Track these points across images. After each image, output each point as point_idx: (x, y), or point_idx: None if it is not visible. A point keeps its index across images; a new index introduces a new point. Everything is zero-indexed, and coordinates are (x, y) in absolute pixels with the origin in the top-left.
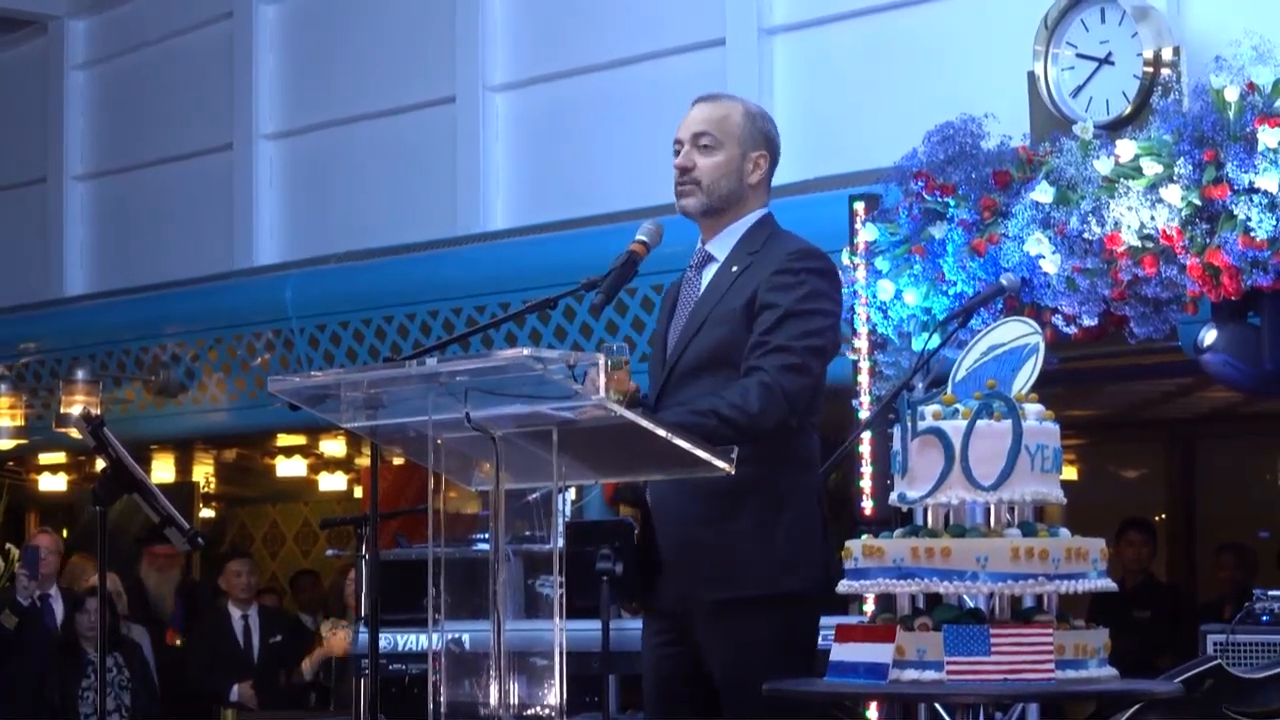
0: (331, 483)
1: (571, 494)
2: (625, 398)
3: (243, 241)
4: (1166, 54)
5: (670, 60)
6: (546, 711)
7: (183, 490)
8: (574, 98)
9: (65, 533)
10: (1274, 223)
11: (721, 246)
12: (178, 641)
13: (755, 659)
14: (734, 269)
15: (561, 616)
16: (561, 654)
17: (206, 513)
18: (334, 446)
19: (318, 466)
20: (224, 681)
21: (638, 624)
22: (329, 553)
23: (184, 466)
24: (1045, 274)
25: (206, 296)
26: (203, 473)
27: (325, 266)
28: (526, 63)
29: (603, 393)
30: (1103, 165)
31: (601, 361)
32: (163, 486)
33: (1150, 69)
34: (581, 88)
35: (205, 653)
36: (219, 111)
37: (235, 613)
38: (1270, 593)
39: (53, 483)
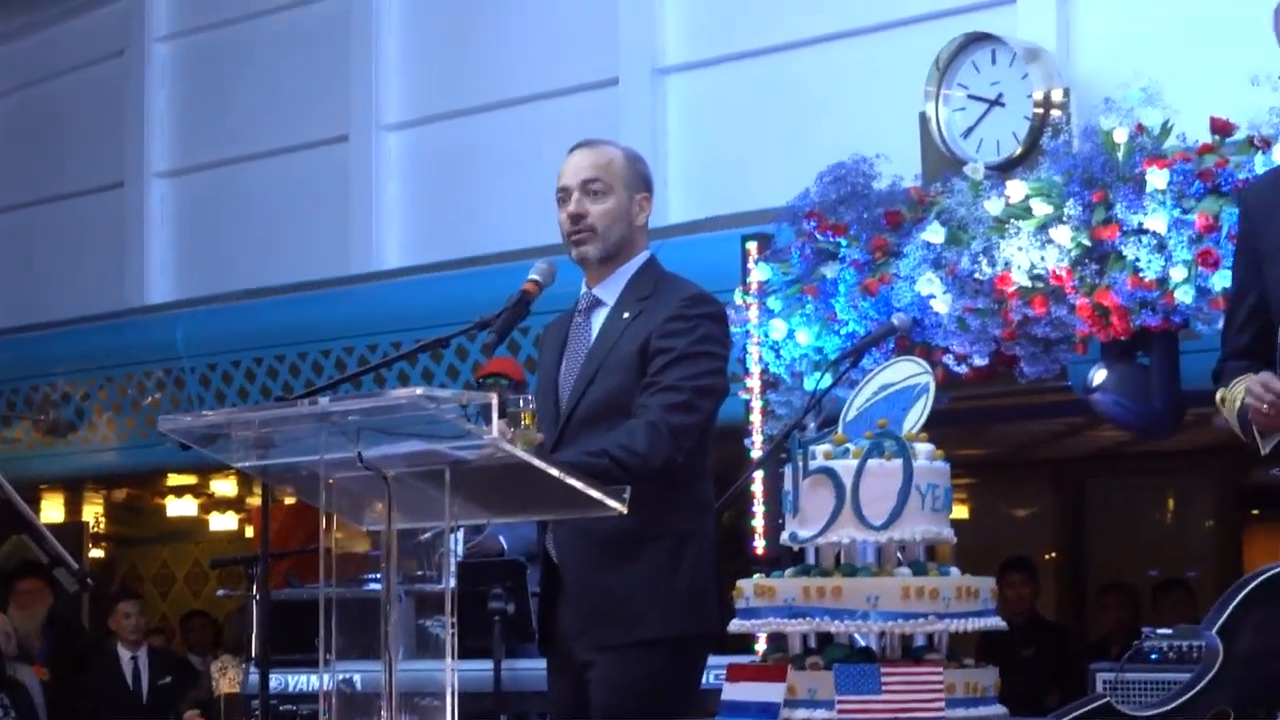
0: (222, 522)
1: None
2: (530, 447)
3: (134, 280)
4: (1056, 95)
5: (564, 100)
6: None
7: (72, 530)
8: (467, 137)
9: None
10: (1163, 263)
11: (609, 291)
12: (44, 677)
13: (648, 699)
14: (625, 315)
15: (453, 656)
16: (453, 694)
17: (96, 553)
18: (225, 486)
19: (208, 506)
20: None
21: (530, 664)
22: (220, 593)
23: (74, 506)
24: (936, 314)
25: (97, 335)
26: (92, 512)
27: (217, 305)
28: (420, 102)
29: (499, 434)
30: (993, 206)
31: (497, 400)
32: (52, 526)
33: (1040, 110)
34: (475, 127)
35: (94, 694)
36: (111, 149)
37: (125, 654)
38: (1159, 631)
39: None
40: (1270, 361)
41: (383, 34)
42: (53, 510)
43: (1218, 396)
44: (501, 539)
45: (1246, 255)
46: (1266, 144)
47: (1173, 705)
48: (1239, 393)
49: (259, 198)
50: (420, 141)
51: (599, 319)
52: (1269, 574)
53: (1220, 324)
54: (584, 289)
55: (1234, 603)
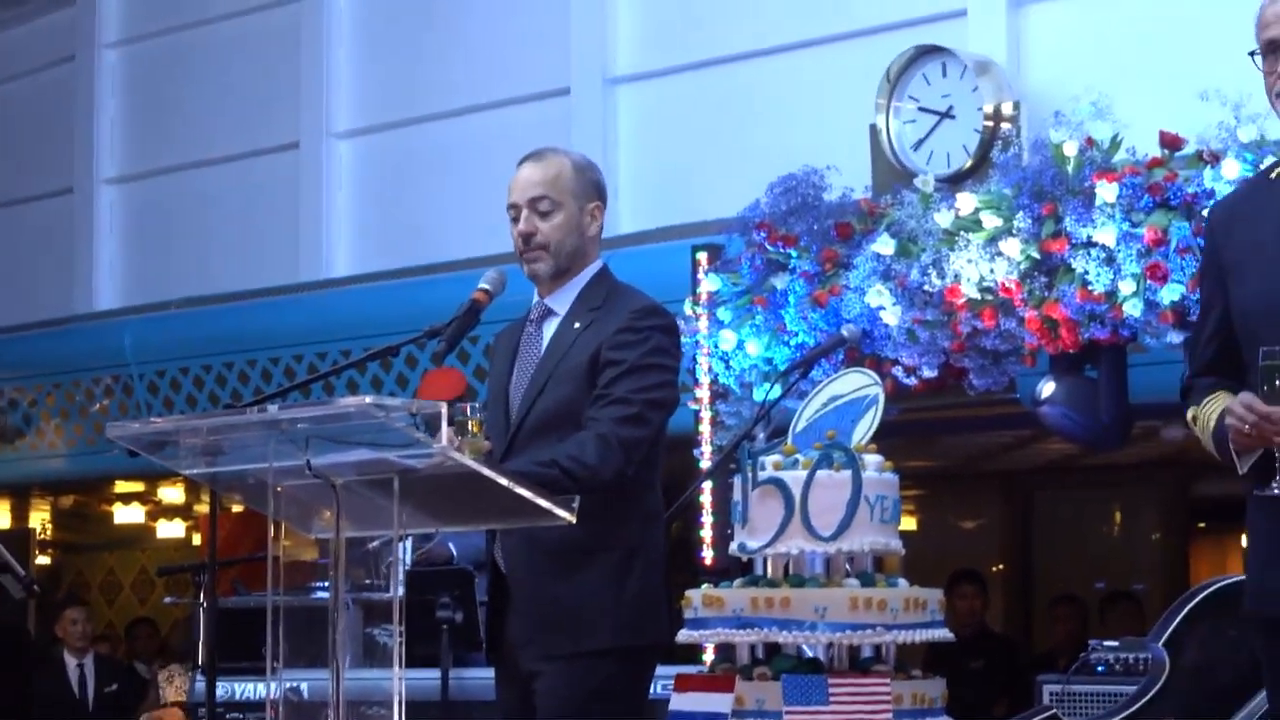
0: (169, 530)
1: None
2: (478, 456)
3: (82, 286)
4: (1007, 108)
5: (515, 109)
6: None
7: (18, 537)
8: (418, 145)
9: None
10: (1111, 276)
11: (561, 301)
12: None
13: (596, 709)
14: (576, 325)
15: (401, 665)
16: (400, 703)
17: (43, 559)
18: (172, 493)
19: (156, 513)
20: None
21: (477, 673)
22: (166, 600)
23: (20, 513)
24: (886, 325)
25: (45, 341)
26: (39, 519)
27: (166, 312)
28: (371, 110)
29: (448, 442)
30: (943, 218)
31: (446, 410)
32: None
33: (991, 123)
34: (426, 135)
35: (40, 701)
36: (60, 155)
37: (71, 661)
38: (1106, 643)
39: None
40: (1241, 377)
41: (334, 41)
42: None
43: (1189, 415)
44: (451, 546)
45: (1212, 271)
46: (1215, 159)
47: (1119, 717)
48: (1213, 410)
49: (209, 205)
50: (371, 149)
51: (550, 329)
52: (1215, 588)
53: (1168, 337)
54: (536, 298)
55: (1180, 616)
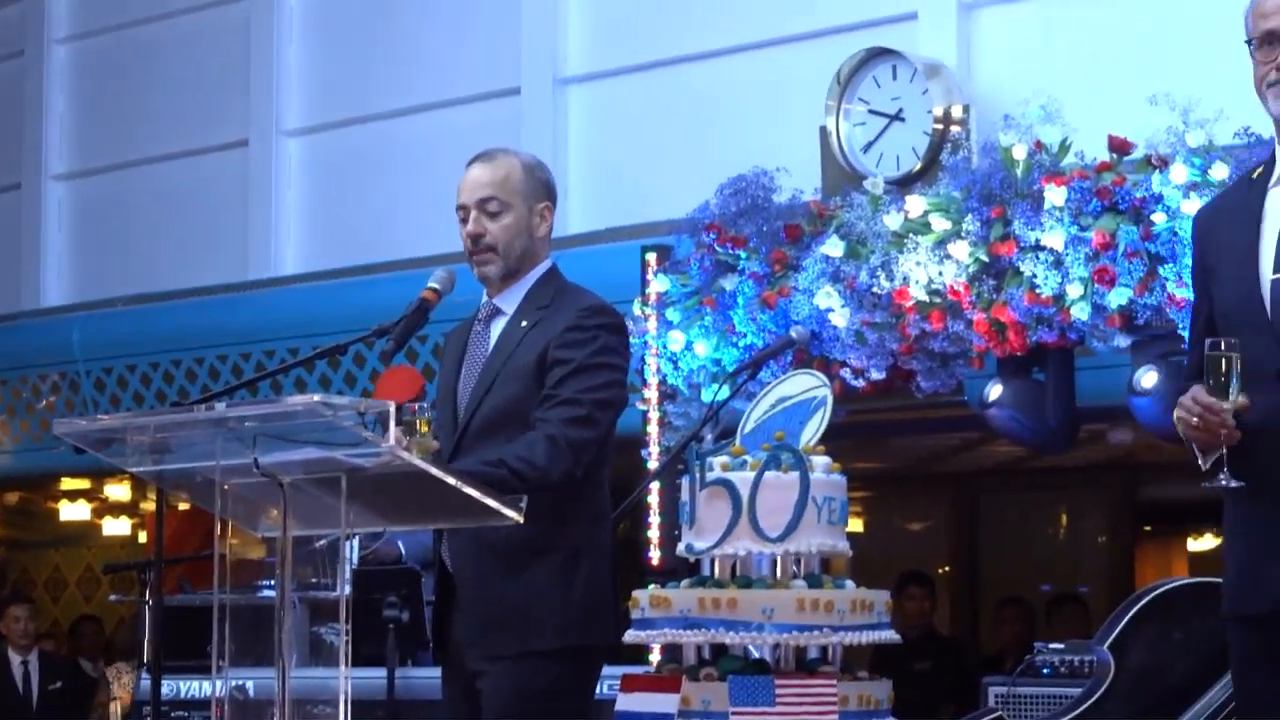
0: (115, 527)
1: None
2: (426, 455)
3: (29, 282)
4: (956, 111)
5: (465, 108)
6: None
7: None
8: (368, 144)
9: None
10: (1059, 280)
11: (510, 301)
12: None
13: (541, 710)
14: (523, 324)
15: (347, 664)
16: (347, 702)
17: None
18: (119, 490)
19: (102, 511)
20: None
21: (423, 672)
22: (112, 598)
23: None
24: (834, 327)
25: None
26: None
27: (113, 309)
28: (321, 108)
29: (396, 442)
30: (892, 220)
31: (394, 409)
32: None
33: (940, 126)
34: (376, 134)
35: None
36: (7, 151)
37: (15, 658)
38: (1051, 646)
39: None
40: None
41: (284, 38)
42: None
43: (1176, 411)
44: (400, 545)
45: (1198, 273)
46: (1164, 163)
47: (1064, 719)
48: None
49: (158, 202)
50: (321, 147)
51: (498, 328)
52: (1160, 591)
53: (1116, 341)
54: (484, 298)
55: (1126, 619)
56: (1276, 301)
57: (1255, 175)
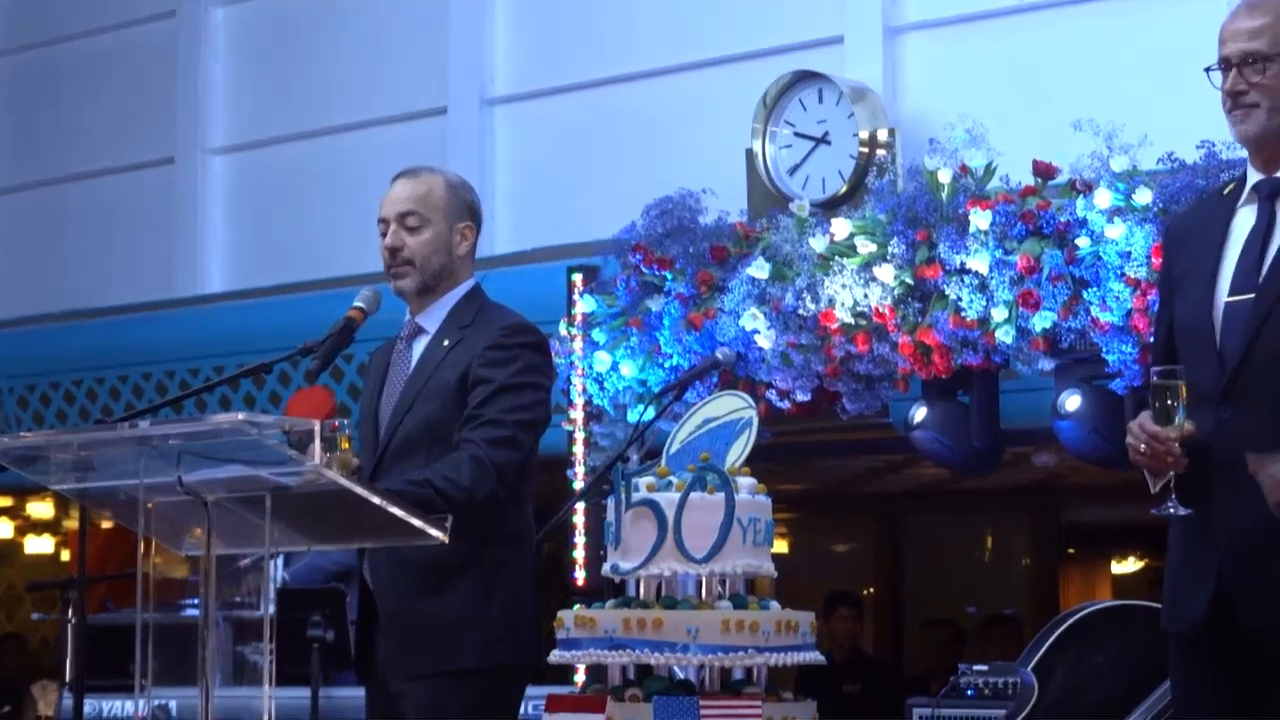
0: (38, 545)
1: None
2: (347, 472)
3: None
4: (882, 135)
5: (392, 128)
6: None
7: None
8: (295, 162)
9: None
10: (984, 303)
11: (432, 319)
12: None
13: None
14: (445, 343)
15: (271, 683)
16: None
17: None
18: (42, 508)
19: (24, 529)
20: None
21: (348, 691)
22: (35, 616)
23: None
24: (760, 349)
25: None
26: None
27: (36, 326)
28: (246, 126)
29: (318, 460)
30: (818, 243)
31: (318, 428)
32: None
33: (866, 149)
34: (303, 152)
35: None
36: None
37: None
38: (975, 667)
39: None
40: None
41: (210, 57)
42: None
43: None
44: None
45: (1164, 284)
46: (1088, 187)
47: None
48: None
49: (82, 218)
50: (246, 166)
51: (420, 346)
52: (1083, 613)
53: (1040, 364)
54: (408, 316)
55: (1049, 641)
56: (1226, 325)
57: (1226, 192)
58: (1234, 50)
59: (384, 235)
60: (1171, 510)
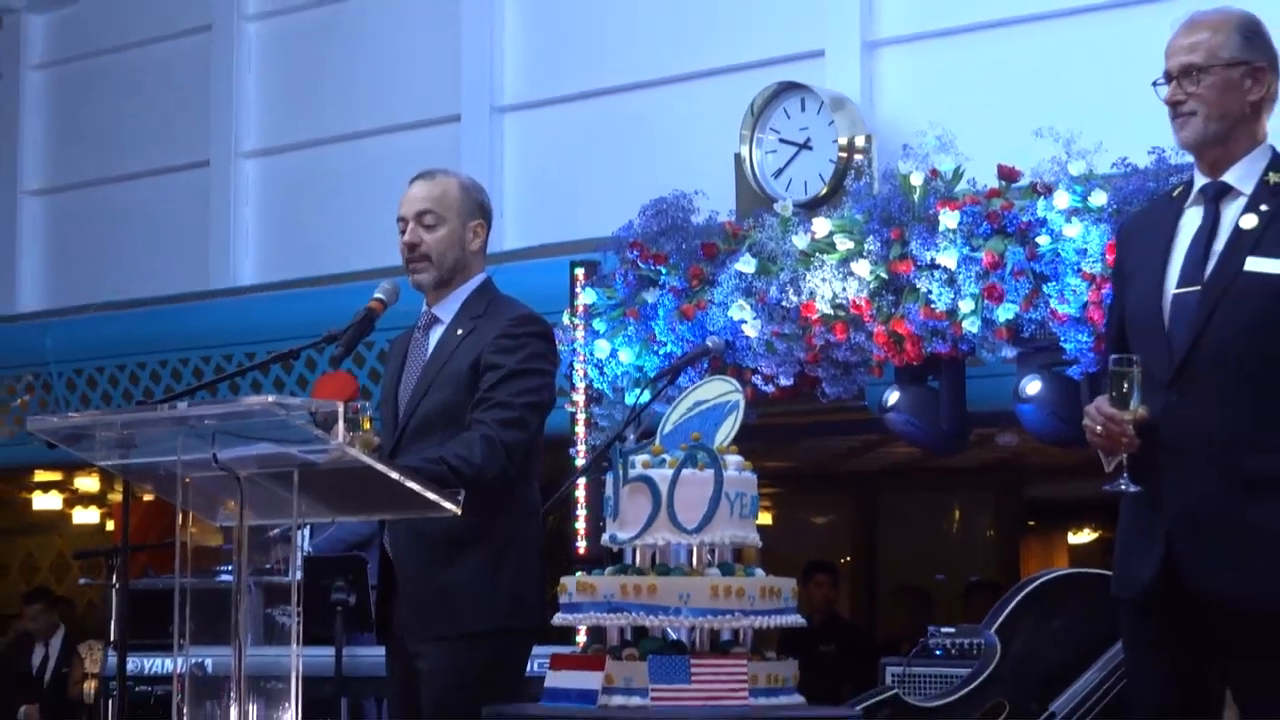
0: (85, 516)
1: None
2: (369, 450)
3: (5, 289)
4: (859, 141)
5: (409, 134)
6: None
7: None
8: (320, 165)
9: None
10: (952, 296)
11: (447, 310)
12: None
13: (475, 687)
14: (459, 332)
15: (298, 643)
16: (298, 678)
17: None
18: (88, 483)
19: (72, 501)
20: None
21: (368, 651)
22: (81, 582)
23: None
24: (747, 337)
25: None
26: None
27: (83, 315)
28: (276, 131)
29: (342, 439)
30: (800, 240)
31: (341, 409)
32: None
33: (844, 154)
34: (327, 156)
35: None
36: None
37: (38, 646)
38: (943, 630)
39: None
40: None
41: (242, 68)
42: None
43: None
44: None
45: (1117, 278)
46: (1048, 190)
47: (954, 697)
48: None
49: (125, 216)
50: (276, 168)
51: (436, 335)
52: (1042, 580)
53: (1003, 352)
54: (424, 307)
55: (1011, 606)
56: (1174, 314)
57: (1175, 194)
58: (1174, 64)
59: (403, 232)
60: (1124, 487)
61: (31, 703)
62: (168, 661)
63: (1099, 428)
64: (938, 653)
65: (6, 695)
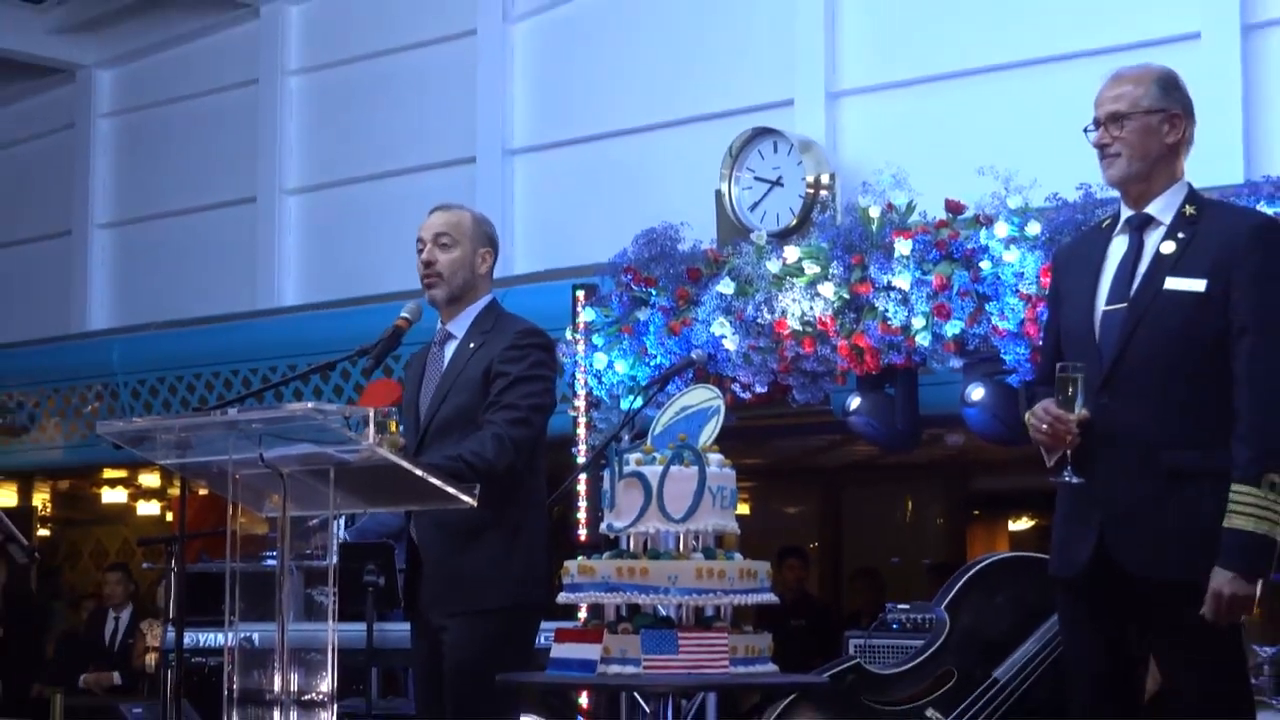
0: (148, 509)
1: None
2: (395, 450)
3: (78, 309)
4: (824, 179)
5: (430, 173)
6: (320, 697)
7: (23, 513)
8: (353, 200)
9: None
10: (906, 314)
11: (459, 326)
12: None
13: (491, 656)
14: (471, 345)
15: (334, 620)
16: (334, 650)
17: (43, 532)
18: (150, 479)
19: (136, 495)
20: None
21: (396, 626)
22: (145, 566)
23: (25, 494)
24: (727, 350)
25: (46, 354)
26: (40, 499)
27: (146, 333)
28: (315, 171)
29: (372, 440)
30: (773, 266)
31: (372, 414)
32: (6, 510)
33: (812, 190)
34: (360, 193)
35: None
36: (60, 203)
37: (110, 614)
38: (899, 606)
39: None
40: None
41: (286, 116)
42: (6, 497)
43: (1025, 417)
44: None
45: (1053, 299)
46: (989, 221)
47: (909, 665)
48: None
49: (183, 245)
50: (315, 203)
51: (450, 349)
52: (986, 563)
53: (951, 363)
54: (439, 325)
55: (958, 585)
56: (1104, 328)
57: (1104, 225)
58: (1102, 112)
59: (420, 252)
60: (1068, 478)
61: (103, 670)
62: (219, 636)
63: (1045, 426)
64: (894, 626)
65: (82, 660)
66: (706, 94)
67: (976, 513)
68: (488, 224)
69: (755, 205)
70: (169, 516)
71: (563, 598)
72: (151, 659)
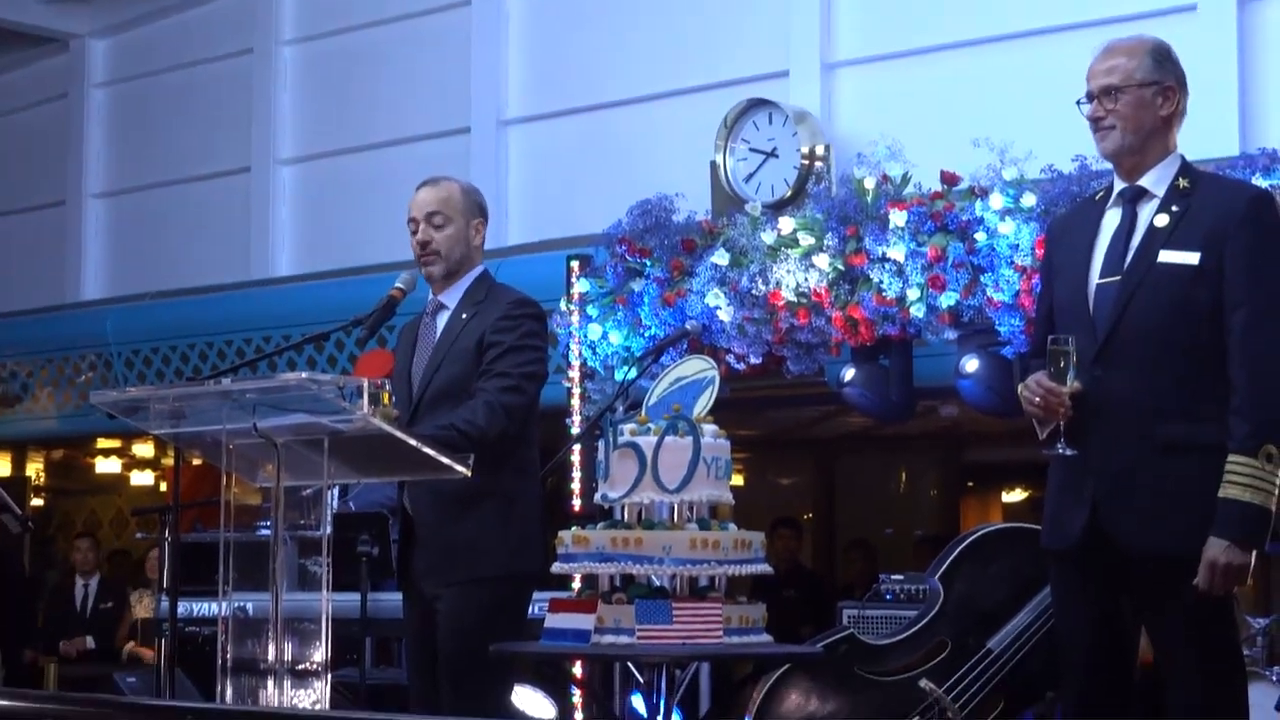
0: (141, 479)
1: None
2: (388, 420)
3: (72, 279)
4: (819, 150)
5: (425, 144)
6: (314, 666)
7: (16, 483)
8: (347, 170)
9: None
10: (901, 285)
11: (451, 297)
12: None
13: (485, 625)
14: (464, 316)
15: (328, 589)
16: (327, 620)
17: (37, 501)
18: (144, 449)
19: (130, 465)
20: (58, 637)
21: (390, 597)
22: (138, 535)
23: (18, 464)
24: (721, 321)
25: (41, 325)
26: (34, 469)
27: (140, 303)
28: (309, 141)
29: (366, 410)
30: (768, 237)
31: (366, 384)
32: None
33: (806, 162)
34: (354, 163)
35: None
36: (54, 174)
37: (79, 581)
38: (892, 577)
39: None
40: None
41: (279, 86)
42: (0, 467)
43: (1019, 389)
44: (350, 505)
45: (1046, 271)
46: (984, 192)
47: (902, 636)
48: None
49: (177, 216)
50: (309, 173)
51: (443, 319)
52: (979, 534)
53: (945, 334)
54: (431, 296)
55: (952, 556)
56: (1098, 301)
57: (1097, 198)
58: (1095, 85)
59: (414, 232)
60: (1061, 450)
61: (79, 635)
62: (213, 605)
63: (1037, 399)
64: (888, 597)
65: (61, 627)
66: (701, 65)
67: (970, 484)
68: (476, 193)
69: (750, 176)
70: (163, 486)
71: (557, 568)
72: (133, 647)
